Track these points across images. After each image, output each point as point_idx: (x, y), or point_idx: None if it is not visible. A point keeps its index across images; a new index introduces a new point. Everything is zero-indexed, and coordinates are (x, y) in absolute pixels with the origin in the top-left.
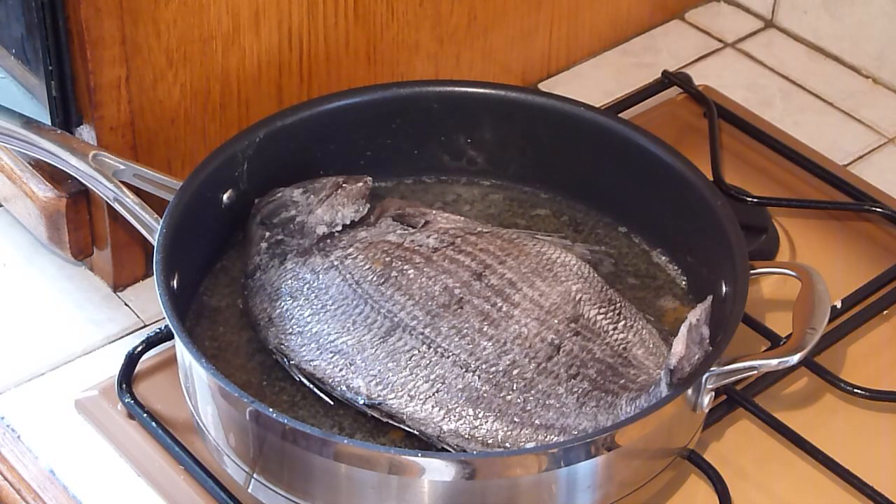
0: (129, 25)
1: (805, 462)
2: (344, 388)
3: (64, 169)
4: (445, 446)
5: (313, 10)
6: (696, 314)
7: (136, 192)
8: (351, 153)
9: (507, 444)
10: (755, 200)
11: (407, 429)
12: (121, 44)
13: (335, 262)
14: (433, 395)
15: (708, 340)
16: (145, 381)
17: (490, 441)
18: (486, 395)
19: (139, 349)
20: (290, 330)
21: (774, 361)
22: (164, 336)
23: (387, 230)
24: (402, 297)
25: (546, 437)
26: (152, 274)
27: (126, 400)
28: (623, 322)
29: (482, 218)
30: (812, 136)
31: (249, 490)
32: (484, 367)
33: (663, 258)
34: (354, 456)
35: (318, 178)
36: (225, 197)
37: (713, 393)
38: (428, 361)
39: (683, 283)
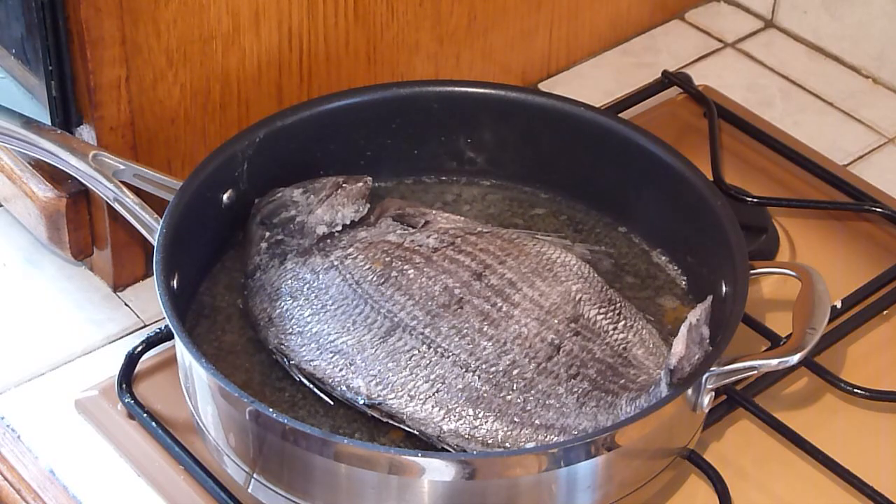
0: (129, 25)
1: (805, 462)
2: (344, 388)
3: (64, 169)
4: (445, 446)
5: (313, 10)
6: (696, 314)
7: (136, 192)
8: (351, 153)
9: (507, 444)
10: (755, 200)
11: (407, 429)
12: (121, 44)
13: (335, 262)
14: (433, 395)
15: (708, 340)
16: (145, 381)
17: (490, 441)
18: (486, 395)
19: (139, 349)
20: (290, 330)
21: (774, 361)
22: (164, 336)
23: (387, 230)
24: (402, 297)
25: (546, 437)
26: (152, 274)
27: (126, 400)
28: (623, 322)
29: (482, 218)
30: (812, 136)
31: (249, 490)
32: (484, 367)
33: (663, 258)
34: (354, 456)
35: (318, 178)
36: (225, 197)
37: (713, 393)
38: (428, 361)
39: (683, 283)
